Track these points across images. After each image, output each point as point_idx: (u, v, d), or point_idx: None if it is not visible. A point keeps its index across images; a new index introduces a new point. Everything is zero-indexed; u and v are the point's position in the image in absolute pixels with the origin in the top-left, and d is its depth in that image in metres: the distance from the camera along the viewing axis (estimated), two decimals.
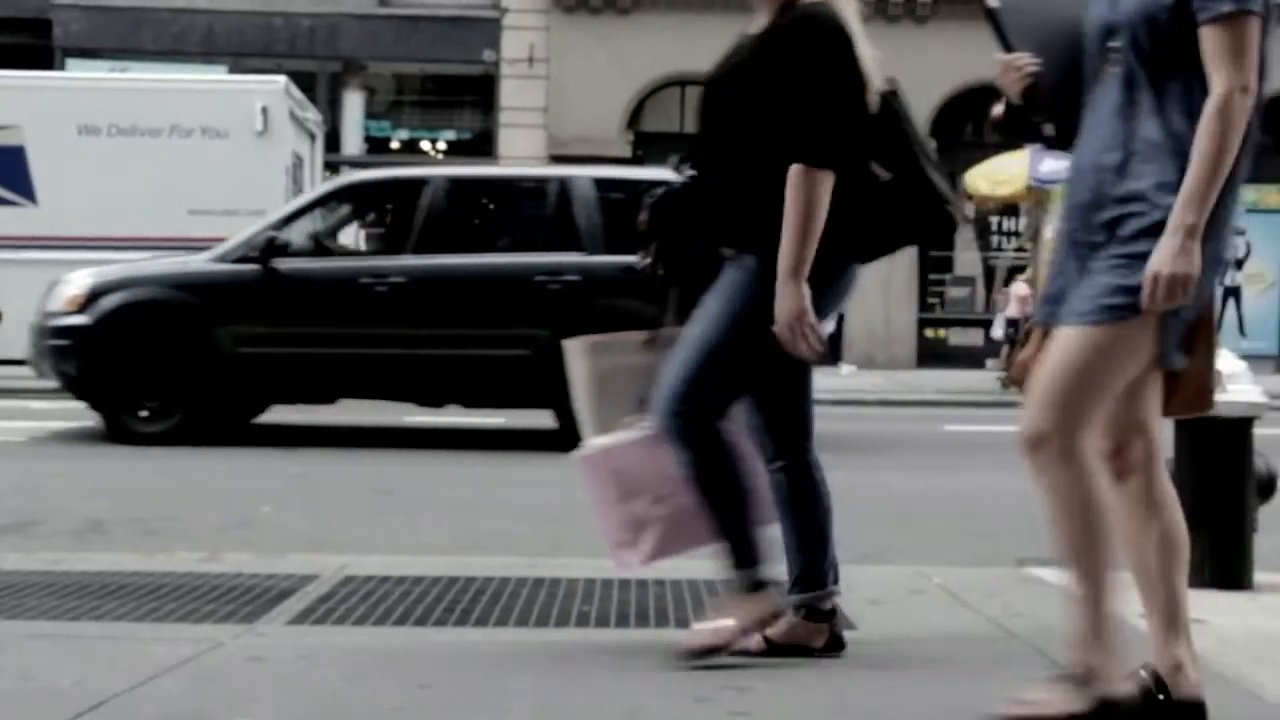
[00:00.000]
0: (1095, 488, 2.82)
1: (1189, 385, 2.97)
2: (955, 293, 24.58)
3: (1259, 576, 4.61)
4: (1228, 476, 4.56)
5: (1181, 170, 2.72)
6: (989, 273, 24.39)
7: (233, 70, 20.81)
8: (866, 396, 16.75)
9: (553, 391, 9.59)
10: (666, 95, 22.95)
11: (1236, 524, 4.56)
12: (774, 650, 3.50)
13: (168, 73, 18.83)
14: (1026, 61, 3.00)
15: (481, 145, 23.26)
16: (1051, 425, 2.78)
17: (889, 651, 3.66)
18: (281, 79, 15.22)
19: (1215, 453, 4.56)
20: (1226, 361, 4.61)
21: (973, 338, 23.81)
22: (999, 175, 19.00)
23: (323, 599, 4.20)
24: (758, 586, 3.49)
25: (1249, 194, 17.98)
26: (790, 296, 3.33)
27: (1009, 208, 21.97)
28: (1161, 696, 2.90)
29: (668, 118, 23.14)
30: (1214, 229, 2.75)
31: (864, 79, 3.40)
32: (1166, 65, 2.77)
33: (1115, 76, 2.83)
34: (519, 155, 22.54)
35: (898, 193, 3.47)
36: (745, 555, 3.49)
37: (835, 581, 3.60)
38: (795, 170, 3.32)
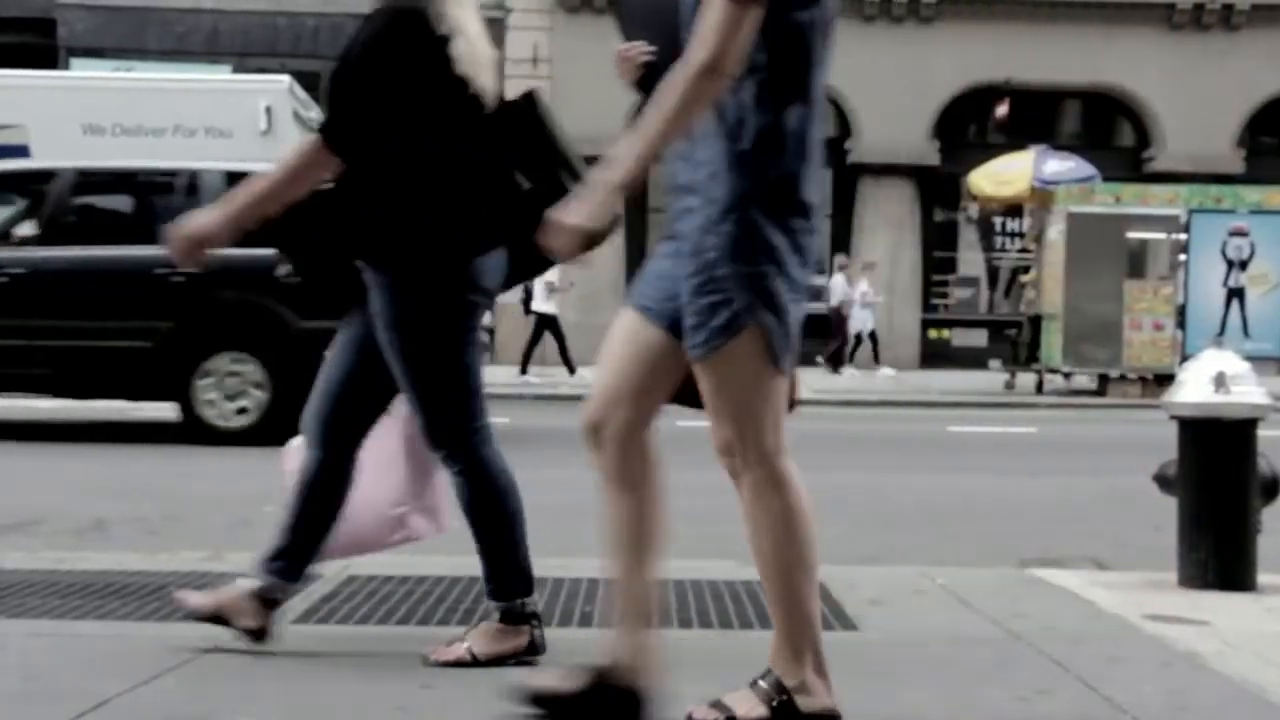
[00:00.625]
0: (796, 499, 2.77)
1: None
2: (959, 293, 24.59)
3: (1262, 578, 4.61)
4: (1231, 478, 4.56)
5: (732, 158, 2.67)
6: (993, 273, 24.40)
7: (237, 70, 20.84)
8: (869, 397, 16.78)
9: (175, 384, 9.73)
10: None
11: (1240, 526, 4.56)
12: (478, 663, 3.39)
13: (172, 72, 18.83)
14: (639, 51, 2.97)
15: None
16: (732, 453, 2.76)
17: (891, 652, 3.66)
18: (285, 79, 15.20)
19: (1219, 454, 4.56)
20: (1230, 363, 4.61)
21: (976, 338, 23.83)
22: (1003, 176, 19.02)
23: (325, 598, 4.20)
24: (519, 619, 3.44)
25: (1253, 195, 17.98)
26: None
27: (1012, 208, 21.97)
28: (785, 698, 2.80)
29: None
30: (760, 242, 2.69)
31: (451, 73, 3.33)
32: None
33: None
34: None
35: (539, 203, 3.34)
36: (510, 585, 3.44)
37: (528, 591, 3.48)
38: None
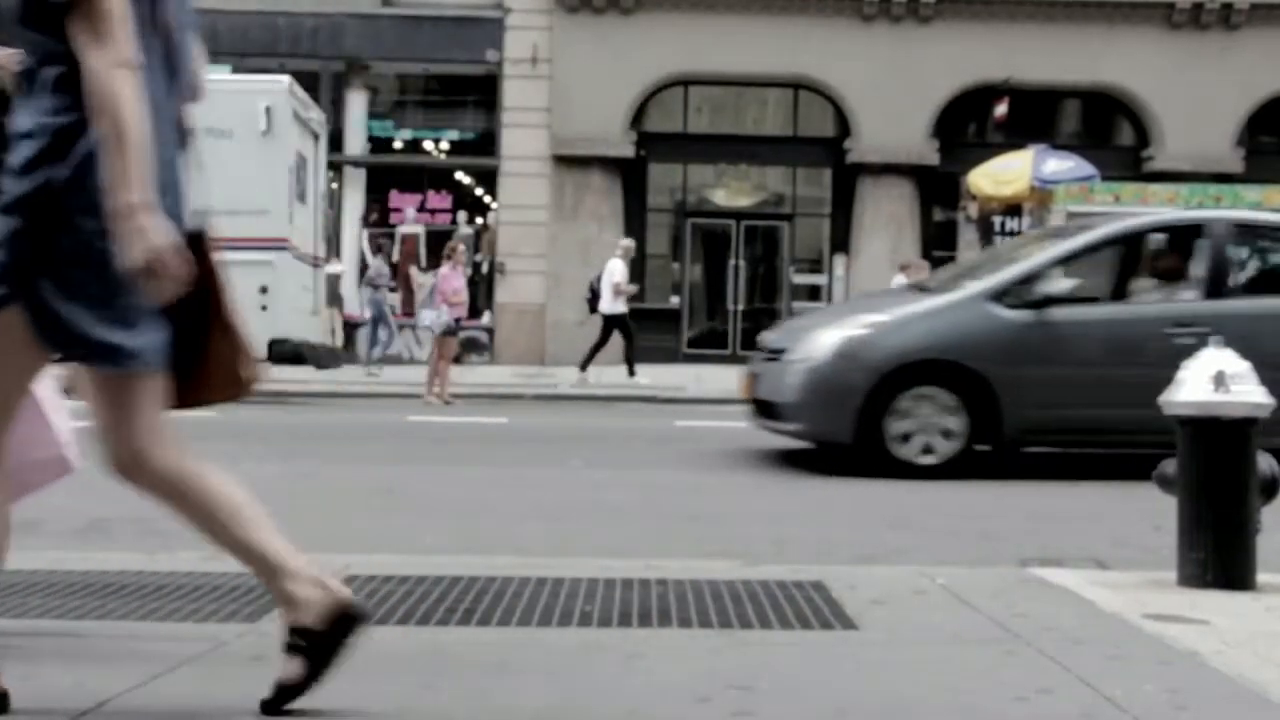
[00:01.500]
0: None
1: (217, 372, 2.98)
2: None
3: (1262, 577, 4.61)
4: (1231, 477, 4.56)
5: (42, 152, 2.68)
6: None
7: (236, 70, 20.77)
8: None
9: None
10: (670, 95, 22.96)
11: (1239, 525, 4.56)
12: None
13: None
14: (10, 57, 2.98)
15: (485, 145, 23.29)
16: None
17: (892, 652, 3.66)
18: (285, 79, 15.24)
19: (1218, 453, 4.56)
20: (1229, 362, 4.61)
21: None
22: (1002, 175, 19.03)
23: None
24: None
25: (1253, 194, 17.99)
26: None
27: (1012, 208, 21.97)
28: (305, 642, 2.91)
29: (671, 118, 23.15)
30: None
31: None
32: (42, 53, 2.73)
33: (27, 66, 2.81)
34: (522, 155, 22.55)
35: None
36: None
37: None
38: None
